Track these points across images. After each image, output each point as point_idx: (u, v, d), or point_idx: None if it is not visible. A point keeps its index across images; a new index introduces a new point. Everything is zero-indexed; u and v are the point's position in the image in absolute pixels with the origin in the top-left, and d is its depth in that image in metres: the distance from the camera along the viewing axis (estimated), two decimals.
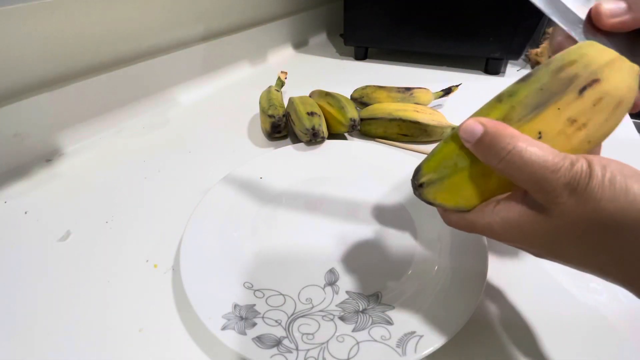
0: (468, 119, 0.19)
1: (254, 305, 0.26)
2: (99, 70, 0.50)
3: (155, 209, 0.37)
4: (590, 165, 0.16)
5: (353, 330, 0.24)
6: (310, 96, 0.51)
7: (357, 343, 0.23)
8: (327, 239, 0.32)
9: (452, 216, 0.22)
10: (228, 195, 0.36)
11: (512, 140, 0.17)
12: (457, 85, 0.55)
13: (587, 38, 0.20)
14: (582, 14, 0.20)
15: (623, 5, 0.19)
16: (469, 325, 0.25)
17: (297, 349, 0.23)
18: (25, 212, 0.37)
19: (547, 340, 0.24)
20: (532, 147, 0.17)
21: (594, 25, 0.20)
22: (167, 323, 0.26)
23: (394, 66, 0.74)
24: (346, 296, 0.27)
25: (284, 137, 0.49)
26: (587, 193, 0.16)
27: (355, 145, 0.43)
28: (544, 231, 0.18)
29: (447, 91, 0.54)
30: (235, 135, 0.50)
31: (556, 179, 0.16)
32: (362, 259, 0.30)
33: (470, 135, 0.19)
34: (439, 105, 0.56)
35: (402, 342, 0.23)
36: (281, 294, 0.27)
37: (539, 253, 0.19)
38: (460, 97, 0.56)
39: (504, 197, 0.20)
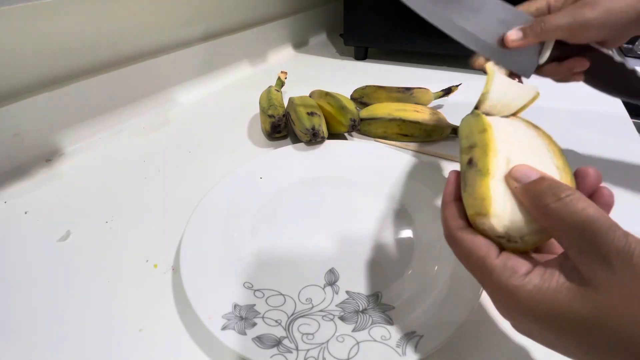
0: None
1: (254, 305, 0.26)
2: (99, 70, 0.50)
3: (155, 209, 0.37)
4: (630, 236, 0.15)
5: (353, 330, 0.24)
6: (310, 96, 0.51)
7: (357, 343, 0.23)
8: (327, 239, 0.32)
9: (466, 243, 0.19)
10: (228, 195, 0.36)
11: (568, 190, 0.16)
12: (457, 85, 0.55)
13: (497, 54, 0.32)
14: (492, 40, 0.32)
15: (520, 34, 0.30)
16: (469, 325, 0.25)
17: (297, 349, 0.23)
18: (25, 212, 0.37)
19: None
20: (584, 201, 0.16)
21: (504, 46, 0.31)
22: (167, 323, 0.26)
23: (394, 66, 0.74)
24: (346, 296, 0.27)
25: (284, 137, 0.49)
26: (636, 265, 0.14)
27: (355, 145, 0.43)
28: (587, 308, 0.15)
29: (447, 91, 0.54)
30: (235, 135, 0.50)
31: (610, 239, 0.14)
32: (362, 259, 0.30)
33: (524, 177, 0.18)
34: (439, 105, 0.56)
35: (402, 342, 0.23)
36: (281, 294, 0.27)
37: (563, 342, 0.16)
38: (460, 97, 0.56)
39: (543, 263, 0.17)
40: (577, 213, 0.15)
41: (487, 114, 0.26)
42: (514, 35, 0.30)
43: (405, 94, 0.52)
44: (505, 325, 0.25)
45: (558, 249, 0.21)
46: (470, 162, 0.22)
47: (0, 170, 0.42)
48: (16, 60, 0.42)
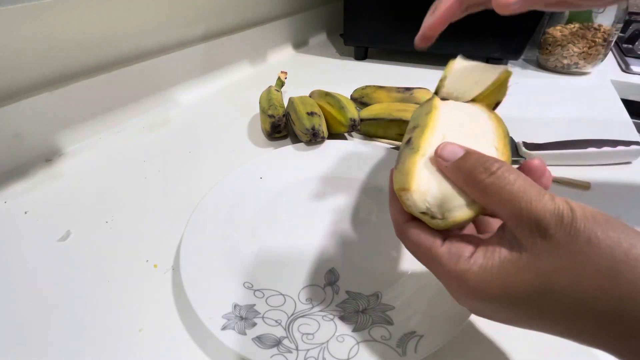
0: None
1: (254, 305, 0.26)
2: (99, 70, 0.50)
3: (155, 209, 0.37)
4: (567, 201, 0.15)
5: (353, 330, 0.24)
6: (310, 96, 0.51)
7: (357, 343, 0.23)
8: (327, 239, 0.32)
9: (412, 236, 0.19)
10: (228, 195, 0.36)
11: (497, 163, 0.17)
12: None
13: None
14: None
15: None
16: (469, 325, 0.25)
17: (297, 349, 0.23)
18: (25, 212, 0.37)
19: (547, 339, 0.24)
20: (515, 174, 0.16)
21: None
22: (167, 323, 0.26)
23: (394, 66, 0.74)
24: (346, 296, 0.27)
25: (284, 137, 0.49)
26: (575, 225, 0.14)
27: (355, 145, 0.43)
28: (532, 277, 0.15)
29: None
30: (235, 135, 0.50)
31: (543, 205, 0.15)
32: (362, 259, 0.30)
33: (451, 154, 0.18)
34: None
35: (402, 342, 0.23)
36: (281, 294, 0.27)
37: (519, 315, 0.16)
38: None
39: (483, 242, 0.17)
40: (510, 184, 0.16)
41: (445, 99, 0.26)
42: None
43: (405, 94, 0.52)
44: (504, 325, 0.25)
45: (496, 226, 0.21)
46: (408, 142, 0.22)
47: (0, 170, 0.42)
48: (16, 60, 0.42)
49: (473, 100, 0.26)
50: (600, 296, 0.14)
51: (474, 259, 0.17)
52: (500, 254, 0.16)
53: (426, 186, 0.19)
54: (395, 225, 0.21)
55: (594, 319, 0.14)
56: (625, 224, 0.15)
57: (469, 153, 0.18)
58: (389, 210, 0.22)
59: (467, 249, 0.17)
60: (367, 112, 0.48)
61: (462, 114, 0.24)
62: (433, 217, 0.19)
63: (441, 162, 0.19)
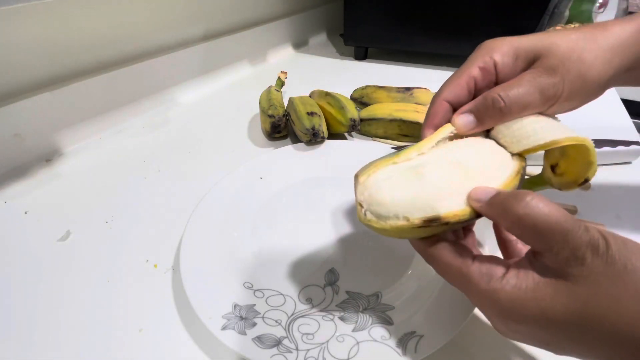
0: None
1: (254, 305, 0.26)
2: (99, 70, 0.50)
3: (155, 208, 0.37)
4: (600, 230, 0.15)
5: (353, 330, 0.24)
6: (310, 96, 0.51)
7: (357, 343, 0.23)
8: (327, 239, 0.32)
9: (442, 251, 0.19)
10: (228, 195, 0.36)
11: (529, 195, 0.16)
12: None
13: None
14: None
15: (471, 118, 0.22)
16: (469, 325, 0.25)
17: (297, 349, 0.23)
18: (25, 212, 0.37)
19: None
20: (548, 203, 0.16)
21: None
22: (167, 323, 0.26)
23: (394, 66, 0.74)
24: (346, 296, 0.27)
25: (284, 137, 0.49)
26: (611, 253, 0.15)
27: (355, 145, 0.43)
28: (570, 300, 0.15)
29: None
30: (235, 135, 0.50)
31: (579, 237, 0.15)
32: (362, 259, 0.30)
33: (484, 194, 0.18)
34: None
35: (402, 342, 0.23)
36: (281, 294, 0.27)
37: (557, 338, 0.16)
38: None
39: (514, 265, 0.17)
40: (545, 216, 0.16)
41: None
42: (463, 119, 0.22)
43: (405, 94, 0.52)
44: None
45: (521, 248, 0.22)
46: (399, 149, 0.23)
47: (0, 170, 0.42)
48: (16, 60, 0.42)
49: (519, 155, 0.22)
50: (638, 322, 0.14)
51: (507, 279, 0.17)
52: (534, 277, 0.16)
53: (374, 182, 0.21)
54: (422, 248, 0.21)
55: (633, 344, 0.14)
56: None
57: (500, 191, 0.18)
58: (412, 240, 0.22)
59: (498, 269, 0.18)
60: (367, 113, 0.48)
61: (473, 149, 0.22)
62: (361, 207, 0.21)
63: (474, 203, 0.18)
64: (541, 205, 0.16)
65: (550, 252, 0.16)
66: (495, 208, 0.17)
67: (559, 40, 0.22)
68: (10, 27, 0.40)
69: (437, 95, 0.24)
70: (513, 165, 0.21)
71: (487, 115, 0.22)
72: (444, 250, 0.19)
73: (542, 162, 0.25)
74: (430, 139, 0.22)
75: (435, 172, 0.20)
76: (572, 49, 0.21)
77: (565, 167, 0.23)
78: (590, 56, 0.21)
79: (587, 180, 0.23)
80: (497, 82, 0.23)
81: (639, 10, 0.93)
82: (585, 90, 0.22)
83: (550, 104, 0.22)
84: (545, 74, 0.21)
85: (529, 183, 0.27)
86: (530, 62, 0.23)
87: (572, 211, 0.32)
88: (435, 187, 0.19)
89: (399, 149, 0.43)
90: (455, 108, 0.24)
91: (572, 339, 0.16)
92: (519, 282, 0.17)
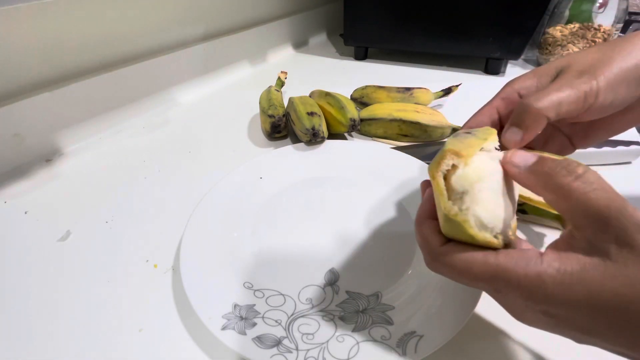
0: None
1: (254, 305, 0.26)
2: (99, 70, 0.50)
3: (155, 208, 0.37)
4: None
5: (353, 330, 0.24)
6: (310, 96, 0.51)
7: (357, 343, 0.23)
8: (327, 239, 0.32)
9: (460, 255, 0.17)
10: (228, 195, 0.36)
11: (581, 166, 0.15)
12: (457, 85, 0.55)
13: None
14: None
15: (517, 131, 0.20)
16: (469, 325, 0.25)
17: (297, 349, 0.23)
18: (25, 212, 0.37)
19: (547, 338, 0.24)
20: (599, 178, 0.15)
21: None
22: (167, 323, 0.26)
23: (394, 66, 0.74)
24: (346, 296, 0.27)
25: (284, 137, 0.49)
26: None
27: (355, 145, 0.43)
28: (619, 284, 0.14)
29: (447, 91, 0.54)
30: (235, 135, 0.50)
31: (630, 215, 0.14)
32: (362, 259, 0.30)
33: (523, 160, 0.17)
34: (439, 105, 0.56)
35: (402, 342, 0.23)
36: (281, 294, 0.27)
37: (598, 325, 0.15)
38: (460, 97, 0.56)
39: (550, 247, 0.16)
40: (596, 190, 0.15)
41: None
42: (508, 134, 0.21)
43: (405, 94, 0.52)
44: (505, 325, 0.25)
45: None
46: (467, 132, 0.20)
47: (0, 170, 0.42)
48: (16, 60, 0.42)
49: None
50: None
51: (547, 262, 0.15)
52: (579, 259, 0.15)
53: (480, 173, 0.17)
54: (429, 249, 0.19)
55: None
56: None
57: (544, 158, 0.17)
58: (418, 231, 0.20)
59: (531, 252, 0.16)
60: (367, 113, 0.48)
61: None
62: (462, 202, 0.17)
63: (511, 168, 0.17)
64: (593, 177, 0.15)
65: (598, 229, 0.15)
66: (540, 177, 0.16)
67: (581, 54, 0.22)
68: (10, 27, 0.40)
69: (462, 127, 0.24)
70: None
71: (526, 121, 0.20)
72: (457, 251, 0.18)
73: None
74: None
75: (514, 189, 0.19)
76: (598, 58, 0.21)
77: None
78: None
79: None
80: None
81: (639, 10, 0.93)
82: (627, 82, 0.20)
83: (589, 102, 0.20)
84: (572, 75, 0.20)
85: (538, 210, 0.26)
86: (554, 78, 0.22)
87: None
88: (512, 206, 0.18)
89: (400, 149, 0.43)
90: None
91: (617, 327, 0.15)
92: (562, 265, 0.15)
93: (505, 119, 0.23)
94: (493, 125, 0.23)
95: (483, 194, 0.17)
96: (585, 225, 0.15)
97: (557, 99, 0.20)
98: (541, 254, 0.16)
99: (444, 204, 0.17)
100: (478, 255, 0.17)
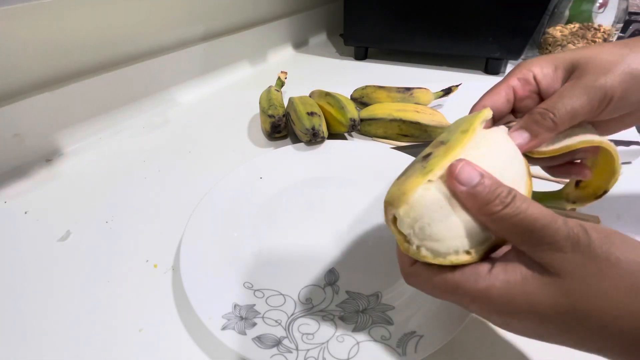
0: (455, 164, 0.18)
1: (254, 305, 0.26)
2: (99, 70, 0.50)
3: (155, 209, 0.37)
4: (581, 224, 0.16)
5: (353, 330, 0.24)
6: (310, 96, 0.51)
7: (357, 343, 0.23)
8: (327, 239, 0.32)
9: (422, 276, 0.19)
10: (228, 195, 0.36)
11: (510, 194, 0.16)
12: (457, 85, 0.55)
13: None
14: None
15: (526, 135, 0.21)
16: (469, 325, 0.25)
17: (297, 349, 0.23)
18: (25, 212, 0.37)
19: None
20: (528, 201, 0.16)
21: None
22: (167, 323, 0.26)
23: (394, 66, 0.74)
24: (346, 296, 0.27)
25: (284, 137, 0.49)
26: (591, 248, 0.15)
27: (355, 145, 0.43)
28: (557, 294, 0.15)
29: (447, 91, 0.54)
30: (235, 135, 0.50)
31: (555, 230, 0.15)
32: (362, 259, 0.30)
33: (468, 180, 0.17)
34: (439, 105, 0.56)
35: (402, 342, 0.23)
36: (281, 294, 0.27)
37: (549, 331, 0.16)
38: (460, 97, 0.56)
39: (500, 259, 0.17)
40: (523, 213, 0.16)
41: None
42: (517, 137, 0.22)
43: (405, 94, 0.52)
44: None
45: None
46: (426, 157, 0.20)
47: (0, 170, 0.42)
48: (16, 60, 0.42)
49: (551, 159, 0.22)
50: (623, 315, 0.14)
51: (495, 274, 0.17)
52: (521, 270, 0.16)
53: (422, 210, 0.18)
54: (401, 268, 0.21)
55: (621, 337, 0.15)
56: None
57: (483, 179, 0.17)
58: (397, 253, 0.21)
59: (482, 267, 0.17)
60: (367, 113, 0.48)
61: (501, 148, 0.20)
62: (408, 243, 0.18)
63: (456, 185, 0.17)
64: (519, 202, 0.16)
65: (530, 248, 0.16)
66: (476, 201, 0.17)
67: (598, 49, 0.21)
68: (10, 27, 0.40)
69: (475, 104, 0.24)
70: (524, 163, 0.20)
71: (539, 129, 0.21)
72: (423, 268, 0.19)
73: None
74: (457, 152, 0.20)
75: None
76: (617, 54, 0.21)
77: (589, 179, 0.23)
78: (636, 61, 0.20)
79: (605, 192, 0.22)
80: (539, 93, 0.23)
81: (639, 10, 0.93)
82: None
83: (602, 107, 0.21)
84: (589, 79, 0.20)
85: (542, 198, 0.26)
86: (570, 71, 0.22)
87: (595, 221, 0.31)
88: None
89: (400, 149, 0.43)
90: (493, 118, 0.24)
91: (563, 331, 0.16)
92: (507, 275, 0.16)
93: (520, 101, 0.24)
94: (508, 106, 0.24)
95: (432, 227, 0.18)
96: (520, 246, 0.17)
97: (572, 110, 0.20)
98: (490, 268, 0.17)
99: (402, 246, 0.19)
100: (436, 276, 0.18)
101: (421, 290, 0.20)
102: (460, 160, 0.18)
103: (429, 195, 0.18)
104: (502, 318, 0.17)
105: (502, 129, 0.22)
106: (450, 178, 0.18)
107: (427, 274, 0.19)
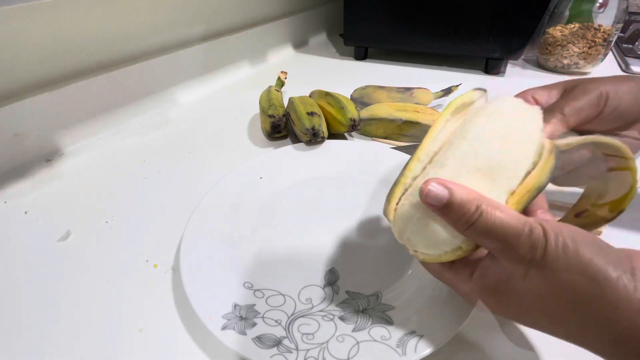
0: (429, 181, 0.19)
1: (254, 305, 0.26)
2: (99, 70, 0.50)
3: (155, 209, 0.37)
4: (545, 232, 0.17)
5: (353, 330, 0.24)
6: (310, 96, 0.51)
7: (357, 343, 0.23)
8: (327, 239, 0.32)
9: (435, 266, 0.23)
10: (228, 195, 0.36)
11: (479, 205, 0.18)
12: (457, 85, 0.55)
13: None
14: None
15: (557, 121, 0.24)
16: (469, 325, 0.25)
17: (297, 349, 0.23)
18: (25, 212, 0.37)
19: (548, 338, 0.24)
20: (496, 211, 0.18)
21: None
22: (167, 323, 0.26)
23: (394, 66, 0.74)
24: (346, 296, 0.27)
25: (284, 137, 0.49)
26: (544, 263, 0.16)
27: (355, 145, 0.43)
28: (527, 285, 0.18)
29: (447, 91, 0.54)
30: (235, 135, 0.50)
31: (518, 246, 0.17)
32: (362, 259, 0.30)
33: (436, 200, 0.19)
34: (439, 105, 0.56)
35: (402, 342, 0.23)
36: (281, 294, 0.27)
37: (509, 313, 0.19)
38: None
39: (478, 264, 0.20)
40: (488, 234, 0.18)
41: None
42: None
43: (405, 94, 0.52)
44: (505, 324, 0.25)
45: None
46: (405, 166, 0.23)
47: (0, 170, 0.42)
48: (16, 60, 0.42)
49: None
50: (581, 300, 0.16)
51: (474, 278, 0.20)
52: (504, 268, 0.18)
53: (402, 223, 0.21)
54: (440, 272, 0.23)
55: (578, 324, 0.16)
56: (603, 244, 0.16)
57: (452, 197, 0.18)
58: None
59: (466, 271, 0.21)
60: (367, 113, 0.48)
61: (505, 128, 0.20)
62: (410, 248, 0.22)
63: (430, 207, 0.19)
64: (491, 210, 0.18)
65: (502, 253, 0.18)
66: (450, 216, 0.19)
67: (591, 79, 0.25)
68: (10, 27, 0.40)
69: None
70: (543, 142, 0.20)
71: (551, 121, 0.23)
72: (436, 265, 0.22)
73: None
74: (428, 139, 0.22)
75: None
76: (598, 80, 0.24)
77: (594, 207, 0.23)
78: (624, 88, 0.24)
79: (620, 212, 0.22)
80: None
81: (639, 10, 0.93)
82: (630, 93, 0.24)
83: (602, 104, 0.24)
84: (581, 86, 0.24)
85: None
86: (562, 92, 0.26)
87: (598, 233, 0.32)
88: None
89: (400, 149, 0.43)
90: None
91: (540, 319, 0.18)
92: (482, 279, 0.20)
93: None
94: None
95: (417, 236, 0.20)
96: (494, 251, 0.19)
97: (576, 105, 0.23)
98: (472, 272, 0.20)
99: (410, 252, 0.22)
100: (440, 269, 0.22)
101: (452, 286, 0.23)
102: (428, 180, 0.19)
103: (404, 211, 0.21)
104: (493, 299, 0.19)
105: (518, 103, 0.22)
106: (422, 198, 0.19)
107: (438, 268, 0.22)
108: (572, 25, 0.64)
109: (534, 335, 0.25)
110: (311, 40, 0.93)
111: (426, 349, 0.22)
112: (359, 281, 0.28)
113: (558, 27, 0.65)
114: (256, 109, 0.54)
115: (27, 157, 0.44)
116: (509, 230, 0.17)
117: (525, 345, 0.24)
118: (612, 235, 0.31)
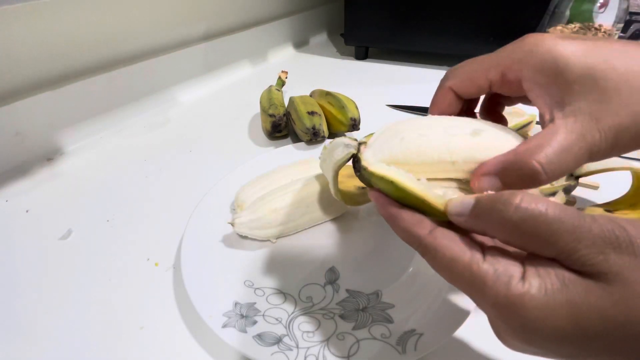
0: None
1: (255, 303, 0.26)
2: (100, 69, 0.50)
3: (156, 207, 0.37)
4: (611, 219, 0.13)
5: (353, 328, 0.24)
6: (310, 96, 0.51)
7: (357, 341, 0.23)
8: (327, 238, 0.32)
9: (445, 242, 0.16)
10: (229, 194, 0.36)
11: (518, 194, 0.13)
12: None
13: None
14: None
15: (499, 184, 0.17)
16: (469, 324, 0.25)
17: (297, 347, 0.23)
18: (27, 211, 0.37)
19: None
20: (541, 199, 0.13)
21: None
22: (168, 321, 0.26)
23: (395, 66, 0.74)
24: (346, 294, 0.27)
25: (284, 137, 0.49)
26: (637, 244, 0.12)
27: None
28: (604, 303, 0.12)
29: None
30: (235, 135, 0.50)
31: (588, 231, 0.12)
32: (363, 258, 0.30)
33: (463, 207, 0.15)
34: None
35: (402, 340, 0.23)
36: (282, 292, 0.27)
37: (587, 351, 0.13)
38: None
39: (528, 262, 0.14)
40: (544, 216, 0.13)
41: None
42: (486, 183, 0.17)
43: None
44: None
45: None
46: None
47: (2, 169, 0.42)
48: (17, 60, 0.42)
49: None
50: None
51: (528, 280, 0.13)
52: (556, 272, 0.13)
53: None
54: (416, 239, 0.17)
55: None
56: None
57: (480, 198, 0.15)
58: (398, 227, 0.18)
59: (515, 267, 0.14)
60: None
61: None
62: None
63: (457, 220, 0.16)
64: (534, 204, 0.13)
65: (562, 255, 0.13)
66: (483, 220, 0.15)
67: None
68: (10, 27, 0.40)
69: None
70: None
71: (518, 183, 0.16)
72: (445, 240, 0.15)
73: None
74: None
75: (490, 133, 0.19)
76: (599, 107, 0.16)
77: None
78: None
79: None
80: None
81: (639, 10, 0.93)
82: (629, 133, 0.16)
83: (594, 154, 0.17)
84: (586, 116, 0.16)
85: None
86: (552, 76, 0.18)
87: (594, 187, 0.28)
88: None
89: None
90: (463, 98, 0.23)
91: (606, 351, 0.13)
92: (543, 281, 0.13)
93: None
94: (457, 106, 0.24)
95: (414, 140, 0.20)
96: (548, 254, 0.14)
97: (565, 169, 0.16)
98: (524, 267, 0.14)
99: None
100: (464, 255, 0.15)
101: (438, 269, 0.16)
102: (450, 199, 0.17)
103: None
104: (530, 339, 0.14)
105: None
106: (449, 215, 0.16)
107: (450, 250, 0.15)
108: (573, 26, 0.64)
109: None
110: (312, 39, 0.93)
111: (426, 348, 0.22)
112: (359, 279, 0.28)
113: (558, 27, 0.65)
114: (257, 109, 0.54)
115: (29, 156, 0.44)
116: (564, 219, 0.13)
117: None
118: None
